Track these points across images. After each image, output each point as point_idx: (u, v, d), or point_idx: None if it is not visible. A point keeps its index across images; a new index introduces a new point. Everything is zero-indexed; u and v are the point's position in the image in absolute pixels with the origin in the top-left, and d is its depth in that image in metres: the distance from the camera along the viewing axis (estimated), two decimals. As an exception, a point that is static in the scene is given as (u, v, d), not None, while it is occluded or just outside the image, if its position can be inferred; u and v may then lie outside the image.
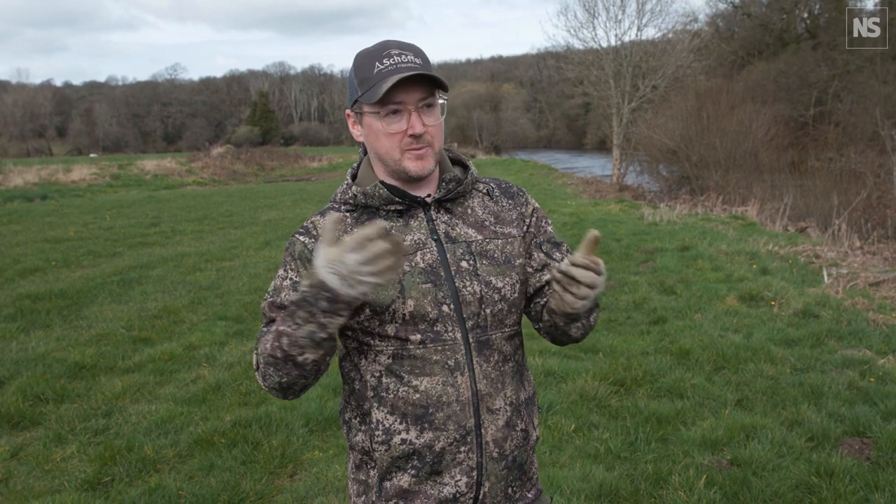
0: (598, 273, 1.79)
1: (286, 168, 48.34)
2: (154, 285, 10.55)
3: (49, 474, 4.81)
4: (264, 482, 4.63)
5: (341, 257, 1.60)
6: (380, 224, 1.59)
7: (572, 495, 4.28)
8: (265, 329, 1.90)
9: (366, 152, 2.09)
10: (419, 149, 1.92)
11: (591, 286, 1.79)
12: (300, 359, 1.75)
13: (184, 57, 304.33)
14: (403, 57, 1.89)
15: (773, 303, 8.56)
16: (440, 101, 1.97)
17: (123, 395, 6.18)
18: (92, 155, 77.09)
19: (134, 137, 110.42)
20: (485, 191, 2.12)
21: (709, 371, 6.43)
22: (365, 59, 1.92)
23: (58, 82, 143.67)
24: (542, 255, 2.10)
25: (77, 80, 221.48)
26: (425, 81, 1.90)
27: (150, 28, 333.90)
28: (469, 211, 2.05)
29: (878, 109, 26.92)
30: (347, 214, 1.99)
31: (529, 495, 2.11)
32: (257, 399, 6.01)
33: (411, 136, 1.90)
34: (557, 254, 2.12)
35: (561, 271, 1.79)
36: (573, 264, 1.77)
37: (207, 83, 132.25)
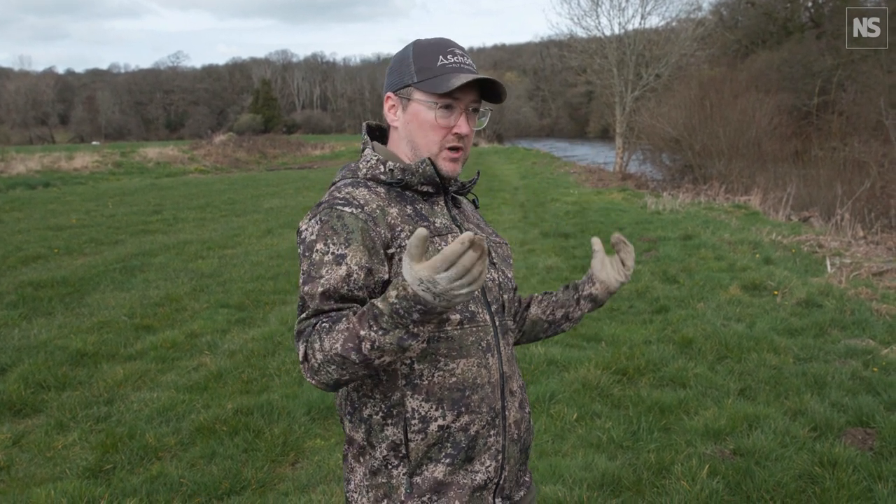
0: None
1: (288, 156, 48.24)
2: (156, 273, 10.54)
3: (50, 462, 4.80)
4: (266, 470, 4.62)
5: (433, 278, 1.53)
6: (467, 234, 1.51)
7: (574, 484, 4.27)
8: (329, 325, 1.73)
9: (372, 138, 2.09)
10: (457, 150, 1.96)
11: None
12: (377, 362, 1.66)
13: (186, 44, 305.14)
14: (465, 59, 1.95)
15: (776, 292, 8.54)
16: (483, 108, 2.01)
17: (125, 383, 6.17)
18: (94, 142, 77.07)
19: (136, 125, 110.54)
20: (471, 199, 2.23)
21: (711, 360, 6.41)
22: (427, 50, 1.94)
23: (60, 70, 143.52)
24: None
25: (79, 68, 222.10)
26: (478, 86, 1.94)
27: (152, 15, 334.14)
28: (466, 211, 2.13)
29: (882, 99, 26.81)
30: (380, 189, 1.92)
31: (527, 479, 2.15)
32: (259, 387, 6.00)
33: (456, 134, 1.93)
34: None
35: (621, 239, 2.25)
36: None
37: (210, 71, 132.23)
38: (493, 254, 2.05)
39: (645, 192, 21.91)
